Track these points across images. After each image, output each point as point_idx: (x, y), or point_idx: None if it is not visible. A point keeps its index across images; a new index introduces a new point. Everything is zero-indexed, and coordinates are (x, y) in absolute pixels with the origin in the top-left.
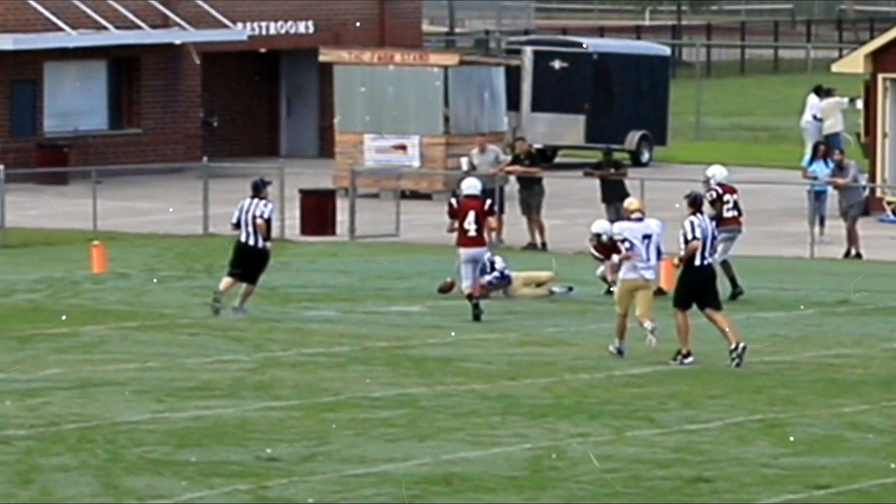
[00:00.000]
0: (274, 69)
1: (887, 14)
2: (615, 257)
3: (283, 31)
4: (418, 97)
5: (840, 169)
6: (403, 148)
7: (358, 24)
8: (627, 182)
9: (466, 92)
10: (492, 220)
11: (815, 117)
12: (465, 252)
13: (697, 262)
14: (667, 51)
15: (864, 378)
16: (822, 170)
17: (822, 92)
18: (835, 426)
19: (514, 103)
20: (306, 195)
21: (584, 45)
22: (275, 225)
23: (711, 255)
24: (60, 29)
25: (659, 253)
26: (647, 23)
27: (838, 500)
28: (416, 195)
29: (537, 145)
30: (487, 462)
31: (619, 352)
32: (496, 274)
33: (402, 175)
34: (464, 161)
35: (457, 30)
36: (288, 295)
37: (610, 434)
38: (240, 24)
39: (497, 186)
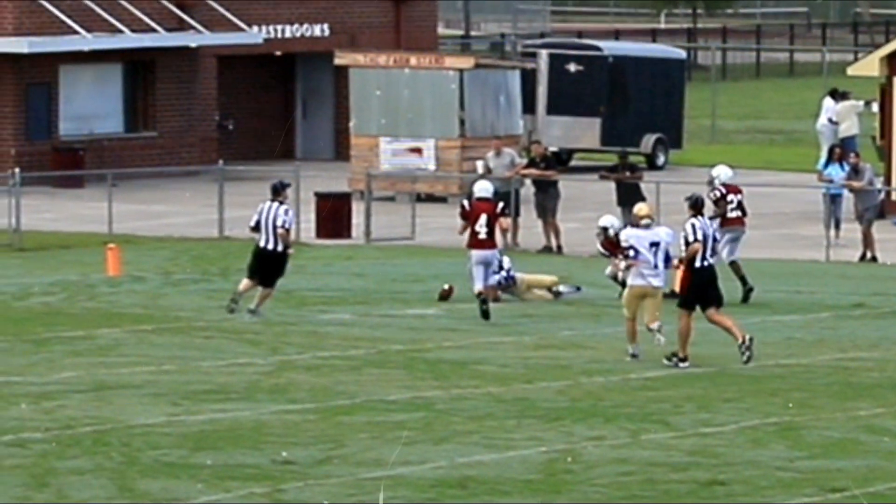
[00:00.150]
0: (289, 72)
1: None
2: (622, 264)
3: (298, 35)
4: (434, 100)
5: (855, 172)
6: (419, 151)
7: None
8: (643, 185)
9: (482, 95)
10: (503, 222)
11: (830, 120)
12: (476, 254)
13: (698, 263)
14: (682, 54)
15: (880, 381)
16: (837, 173)
17: (837, 95)
18: (850, 429)
19: (529, 106)
20: (322, 198)
21: (602, 49)
22: (291, 228)
23: (712, 256)
24: (76, 32)
25: (668, 260)
26: (662, 26)
27: (854, 503)
28: (431, 198)
29: (553, 148)
30: (503, 465)
31: (634, 356)
32: (503, 274)
33: (418, 178)
34: (479, 164)
35: (472, 33)
36: (303, 298)
37: (625, 437)
38: (255, 27)
39: (512, 189)
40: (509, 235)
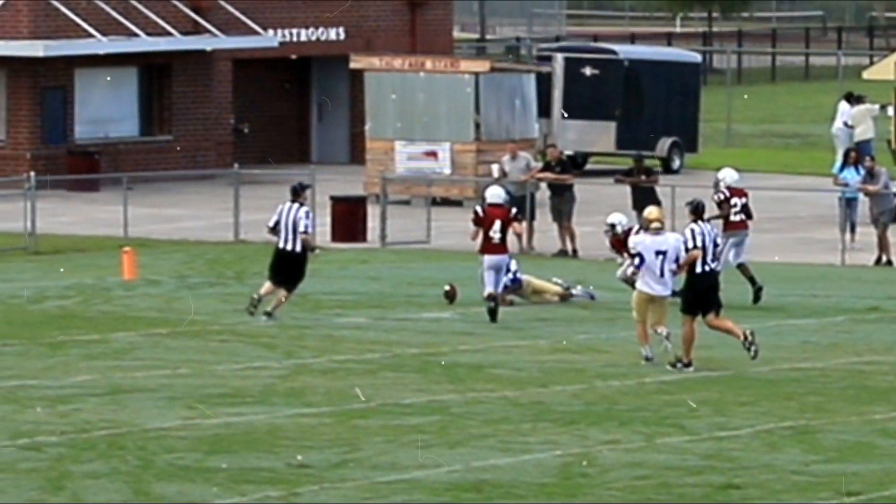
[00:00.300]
0: (305, 76)
1: None
2: (630, 268)
3: (314, 38)
4: (449, 104)
5: (871, 176)
6: (434, 155)
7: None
8: (658, 189)
9: (497, 99)
10: (517, 227)
11: (846, 124)
12: (488, 259)
13: (699, 269)
14: (698, 58)
15: (895, 385)
16: (853, 177)
17: (853, 99)
18: (866, 433)
19: (545, 110)
20: (337, 202)
21: (617, 52)
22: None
23: (714, 261)
24: (91, 35)
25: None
26: (678, 30)
27: None
28: (447, 202)
29: (568, 152)
30: (518, 469)
31: (648, 359)
32: (509, 276)
33: (433, 182)
34: (495, 168)
35: (488, 36)
36: (319, 302)
37: (640, 441)
38: (271, 31)
39: (528, 193)
40: (524, 239)
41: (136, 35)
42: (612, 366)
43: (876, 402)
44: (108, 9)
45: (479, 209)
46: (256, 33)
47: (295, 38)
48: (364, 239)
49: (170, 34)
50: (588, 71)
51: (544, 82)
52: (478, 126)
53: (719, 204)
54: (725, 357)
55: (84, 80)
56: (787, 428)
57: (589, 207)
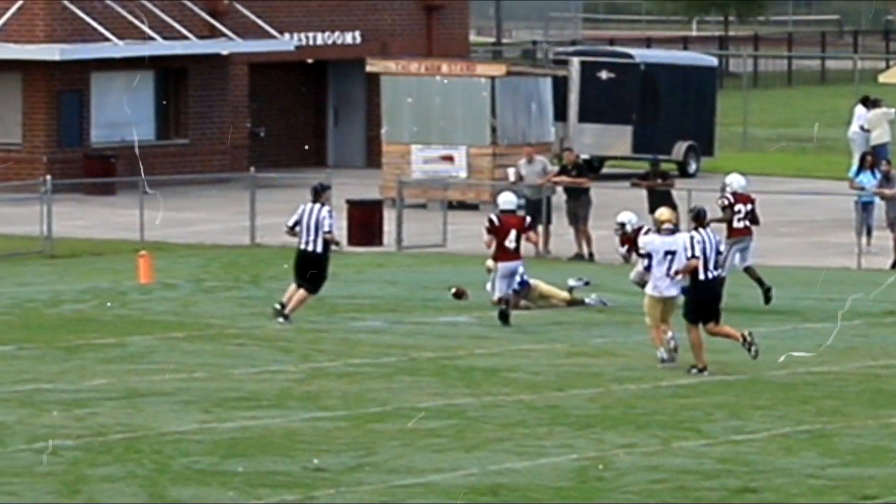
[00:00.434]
0: (321, 79)
1: None
2: (640, 264)
3: (330, 42)
4: (465, 108)
5: (887, 179)
6: (450, 158)
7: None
8: (674, 193)
9: (514, 102)
10: (532, 235)
11: (862, 128)
12: (503, 266)
13: (702, 276)
14: (714, 61)
15: None
16: (869, 180)
17: (869, 102)
18: (882, 437)
19: (561, 114)
20: (354, 206)
21: (633, 56)
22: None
23: (716, 268)
24: (107, 39)
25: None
26: (694, 33)
27: None
28: (463, 206)
29: (584, 156)
30: (534, 473)
31: (664, 360)
32: (517, 279)
33: (450, 186)
34: (511, 171)
35: (504, 40)
36: (335, 305)
37: (657, 445)
38: (287, 35)
39: (544, 197)
40: (541, 243)
41: (152, 39)
42: (629, 369)
43: (892, 406)
44: (124, 12)
45: (493, 217)
46: (273, 37)
47: (311, 42)
48: (380, 243)
49: (186, 38)
50: (604, 75)
51: (560, 86)
52: (494, 130)
53: (723, 209)
54: (741, 361)
55: (100, 83)
56: (803, 432)
57: (605, 211)
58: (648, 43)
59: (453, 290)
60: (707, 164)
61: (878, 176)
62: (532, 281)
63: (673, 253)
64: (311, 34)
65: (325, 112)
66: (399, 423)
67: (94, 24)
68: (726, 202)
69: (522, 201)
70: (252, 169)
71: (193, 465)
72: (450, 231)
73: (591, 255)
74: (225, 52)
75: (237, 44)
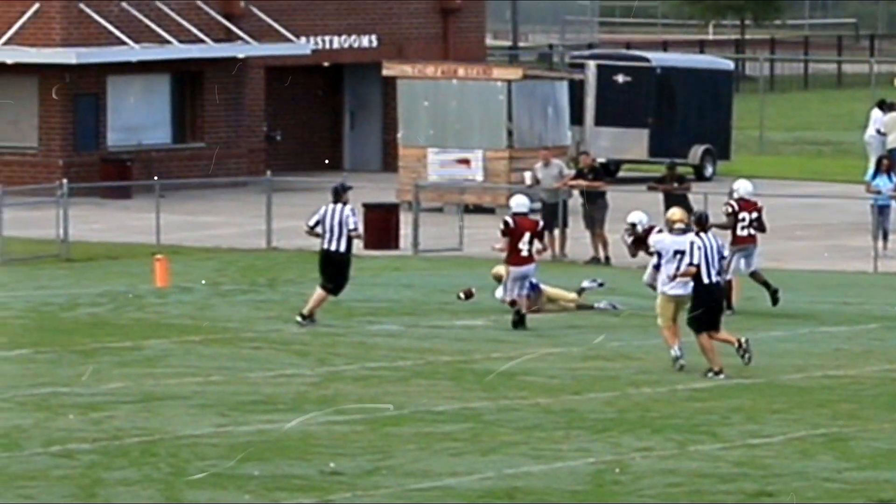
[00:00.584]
0: (337, 83)
1: None
2: (650, 264)
3: (346, 46)
4: (482, 111)
5: None
6: (467, 162)
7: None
8: (691, 196)
9: (530, 106)
10: (544, 242)
11: (878, 131)
12: (516, 270)
13: (705, 280)
14: (730, 65)
15: None
16: (885, 184)
17: (885, 106)
18: None
19: (577, 117)
20: (370, 209)
21: (650, 60)
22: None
23: (719, 274)
24: (123, 43)
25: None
26: (710, 37)
27: None
28: (479, 209)
29: (601, 159)
30: (550, 476)
31: (677, 358)
32: (529, 284)
33: (466, 189)
34: (527, 175)
35: (520, 44)
36: (351, 309)
37: (673, 448)
38: (303, 39)
39: (560, 201)
40: (557, 246)
41: (168, 42)
42: (645, 373)
43: None
44: (140, 16)
45: (509, 219)
46: (289, 41)
47: (327, 46)
48: (396, 246)
49: (202, 41)
50: (620, 78)
51: (577, 90)
52: (510, 133)
53: (726, 215)
54: (757, 364)
55: (116, 87)
56: (819, 435)
57: (621, 215)
58: (665, 47)
59: (461, 293)
60: (723, 168)
61: (895, 179)
62: (541, 286)
63: (683, 252)
64: (327, 38)
65: (341, 116)
66: (415, 427)
67: (111, 28)
68: (730, 209)
69: (537, 204)
70: (268, 172)
71: (209, 469)
72: (466, 234)
73: (607, 258)
74: (241, 56)
75: (253, 47)
